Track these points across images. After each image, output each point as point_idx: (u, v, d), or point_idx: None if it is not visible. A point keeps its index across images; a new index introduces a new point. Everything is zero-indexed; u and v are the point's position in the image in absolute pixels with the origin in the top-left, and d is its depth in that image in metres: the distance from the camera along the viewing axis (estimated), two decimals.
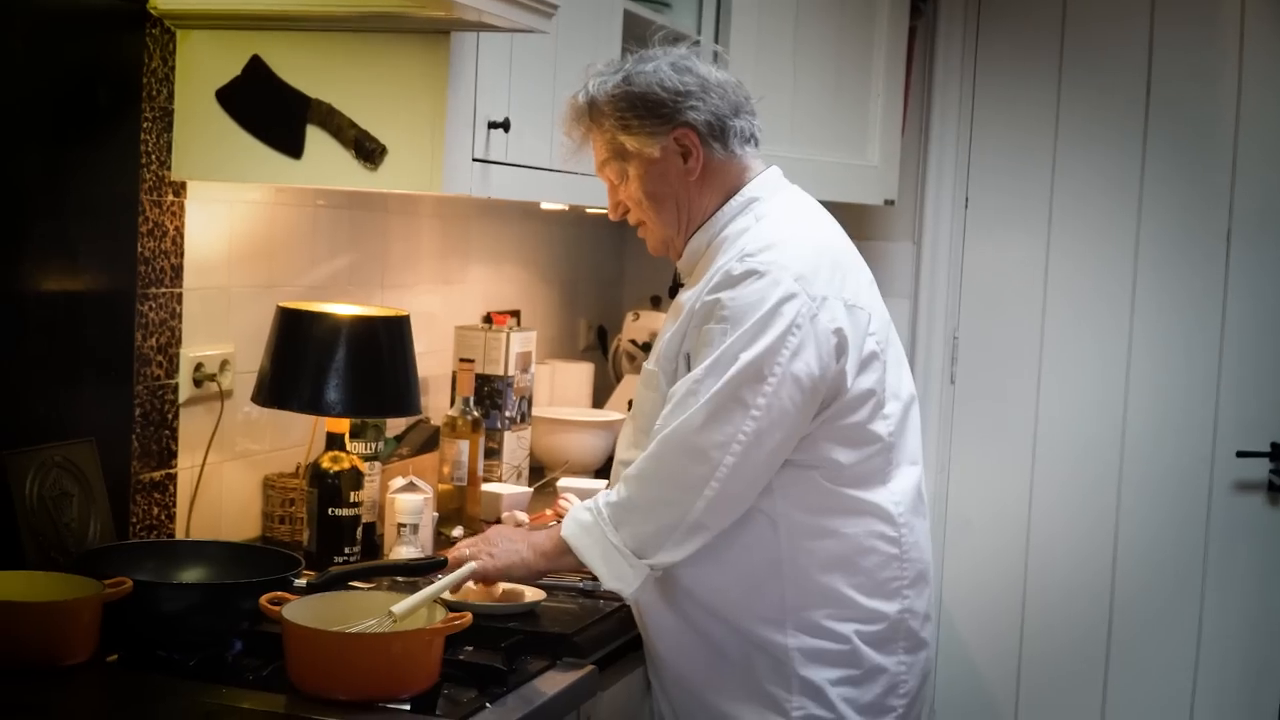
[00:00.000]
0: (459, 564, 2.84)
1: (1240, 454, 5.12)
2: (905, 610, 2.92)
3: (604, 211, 4.88)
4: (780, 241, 2.82)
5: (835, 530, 2.85)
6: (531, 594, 2.98)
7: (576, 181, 3.60)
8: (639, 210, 2.97)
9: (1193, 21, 5.14)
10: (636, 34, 3.93)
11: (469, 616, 2.51)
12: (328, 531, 3.19)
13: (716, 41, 4.38)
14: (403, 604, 2.52)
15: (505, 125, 3.13)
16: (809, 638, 2.84)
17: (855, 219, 4.55)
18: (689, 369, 2.79)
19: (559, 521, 3.55)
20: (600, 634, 2.93)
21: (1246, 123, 5.08)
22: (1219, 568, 5.19)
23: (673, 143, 2.87)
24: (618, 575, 2.80)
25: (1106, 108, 5.24)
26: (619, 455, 2.99)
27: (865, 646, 2.87)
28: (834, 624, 2.85)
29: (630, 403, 3.05)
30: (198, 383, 3.22)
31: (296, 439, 3.52)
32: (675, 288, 3.01)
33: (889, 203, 5.23)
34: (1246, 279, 5.11)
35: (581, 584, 3.12)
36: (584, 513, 2.85)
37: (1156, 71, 5.18)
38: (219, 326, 3.30)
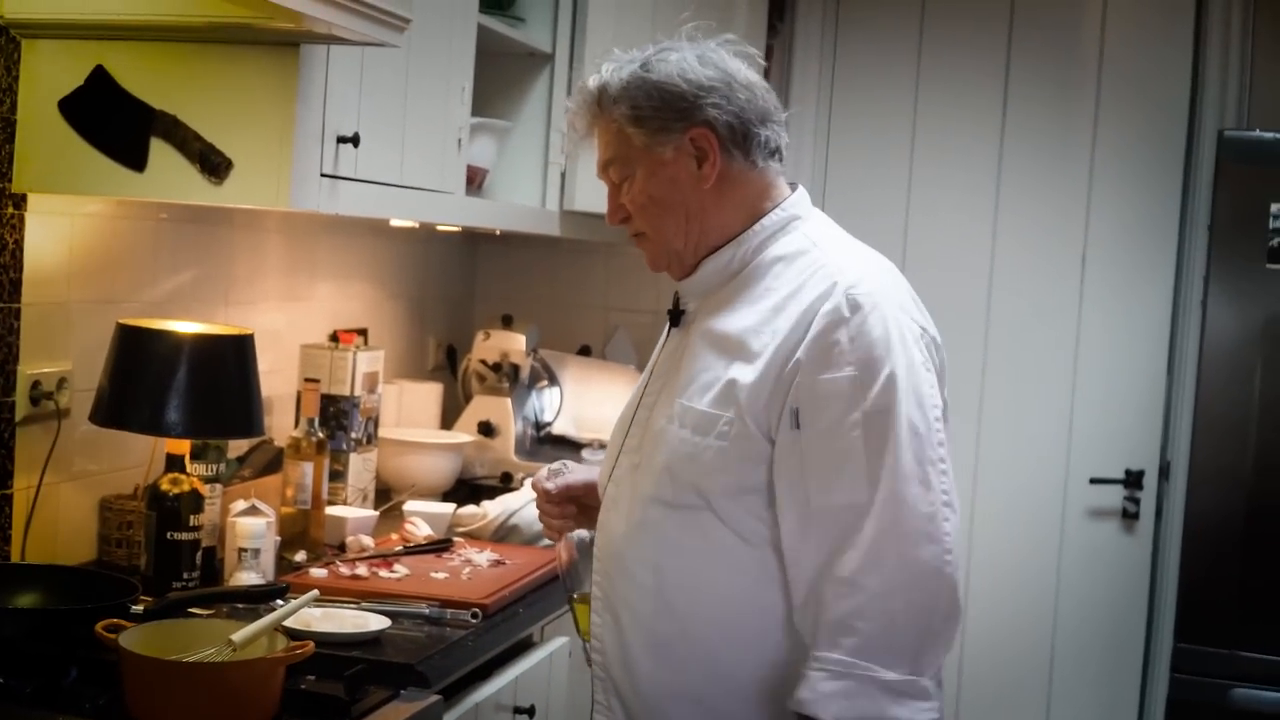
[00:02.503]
0: None
1: (1094, 480, 5.16)
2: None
3: (454, 229, 4.90)
4: (869, 270, 2.52)
5: None
6: (377, 621, 2.93)
7: (426, 198, 3.57)
8: (641, 218, 2.60)
9: (1050, 44, 5.18)
10: (490, 49, 3.91)
11: (311, 645, 2.48)
12: (166, 556, 3.11)
13: (572, 57, 4.37)
14: (242, 632, 2.46)
15: (355, 140, 3.09)
16: None
17: None
18: (796, 424, 2.41)
19: (405, 546, 3.51)
20: (446, 663, 2.88)
21: (1102, 148, 5.13)
22: (1072, 594, 5.23)
23: (687, 143, 2.53)
24: (916, 713, 2.37)
25: (963, 135, 5.27)
26: (632, 513, 2.57)
27: None
28: None
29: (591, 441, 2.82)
30: (34, 401, 3.13)
31: (136, 460, 3.44)
32: (678, 313, 2.66)
33: None
34: (1101, 304, 5.16)
35: (428, 611, 3.07)
36: (830, 682, 2.36)
37: (1011, 108, 5.22)
38: (57, 343, 3.21)
